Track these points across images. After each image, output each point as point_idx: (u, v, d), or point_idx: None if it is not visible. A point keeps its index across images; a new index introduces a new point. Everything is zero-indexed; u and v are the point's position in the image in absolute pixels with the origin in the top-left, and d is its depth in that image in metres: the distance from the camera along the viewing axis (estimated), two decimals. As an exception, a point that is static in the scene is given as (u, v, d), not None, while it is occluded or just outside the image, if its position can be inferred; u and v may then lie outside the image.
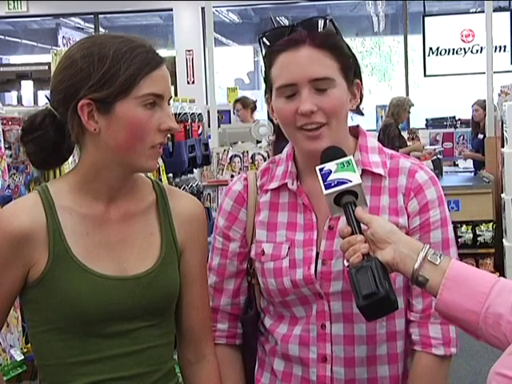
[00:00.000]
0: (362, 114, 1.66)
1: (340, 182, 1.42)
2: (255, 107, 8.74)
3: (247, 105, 8.57)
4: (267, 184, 1.66)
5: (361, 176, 1.56)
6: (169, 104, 1.46)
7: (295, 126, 1.53)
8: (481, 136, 8.06)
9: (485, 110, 7.59)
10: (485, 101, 7.42)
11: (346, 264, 1.40)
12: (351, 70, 1.57)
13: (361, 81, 1.62)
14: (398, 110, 7.39)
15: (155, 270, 1.47)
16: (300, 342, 1.60)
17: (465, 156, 8.82)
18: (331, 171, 1.44)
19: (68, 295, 1.40)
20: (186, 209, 1.57)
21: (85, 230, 1.45)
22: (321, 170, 1.46)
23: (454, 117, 10.80)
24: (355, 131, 1.66)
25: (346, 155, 1.47)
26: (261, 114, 10.94)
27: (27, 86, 9.17)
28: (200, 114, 3.96)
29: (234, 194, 1.68)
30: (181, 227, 1.54)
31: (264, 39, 1.60)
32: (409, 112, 7.71)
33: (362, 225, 1.42)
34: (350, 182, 1.42)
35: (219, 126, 6.92)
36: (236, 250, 1.67)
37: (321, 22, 1.56)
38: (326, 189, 1.43)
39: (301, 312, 1.61)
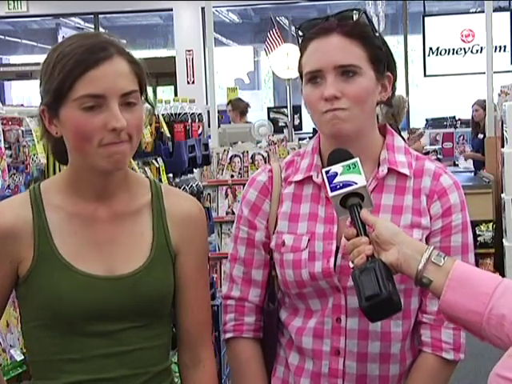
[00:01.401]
0: (391, 106, 1.69)
1: (345, 185, 1.43)
2: (246, 110, 8.74)
3: (236, 107, 8.58)
4: (292, 176, 1.67)
5: (386, 175, 1.58)
6: (126, 102, 1.39)
7: (320, 112, 1.55)
8: (481, 136, 8.06)
9: (485, 109, 7.59)
10: (485, 101, 7.42)
11: (351, 265, 1.40)
12: (381, 61, 1.59)
13: (395, 75, 1.63)
14: (398, 110, 7.36)
15: (142, 271, 1.46)
16: (314, 335, 1.60)
17: (465, 156, 8.81)
18: (337, 173, 1.45)
19: (52, 293, 1.41)
20: (182, 209, 1.54)
21: (72, 229, 1.45)
22: (327, 172, 1.47)
23: (454, 117, 10.81)
24: (383, 130, 1.67)
25: (352, 157, 1.48)
26: (261, 114, 10.96)
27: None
28: (200, 113, 3.95)
29: (258, 184, 1.69)
30: (175, 228, 1.52)
31: (300, 29, 1.64)
32: (406, 109, 7.70)
33: (367, 227, 1.42)
34: (356, 184, 1.43)
35: (219, 126, 6.92)
36: (262, 239, 1.67)
37: (354, 14, 1.59)
38: (331, 191, 1.44)
39: (316, 305, 1.61)
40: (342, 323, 1.58)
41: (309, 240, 1.60)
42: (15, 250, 1.42)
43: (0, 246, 1.42)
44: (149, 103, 1.54)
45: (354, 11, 1.60)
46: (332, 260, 1.57)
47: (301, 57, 1.61)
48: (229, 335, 1.69)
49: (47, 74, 1.40)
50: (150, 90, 1.52)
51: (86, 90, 1.36)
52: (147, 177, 1.62)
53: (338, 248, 1.58)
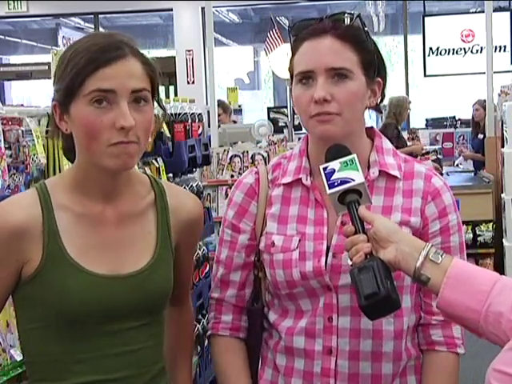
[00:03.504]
0: (381, 112, 1.70)
1: (343, 181, 1.44)
2: (232, 111, 8.96)
3: (227, 109, 8.65)
4: (279, 178, 1.68)
5: (377, 177, 1.59)
6: (136, 99, 1.40)
7: (309, 115, 1.55)
8: (481, 136, 8.06)
9: (485, 109, 7.60)
10: (485, 100, 7.43)
11: (350, 263, 1.41)
12: (372, 66, 1.59)
13: (385, 80, 1.64)
14: (400, 110, 7.37)
15: (148, 269, 1.48)
16: (306, 334, 1.61)
17: (465, 156, 8.81)
18: (334, 170, 1.46)
19: (59, 293, 1.41)
20: (185, 208, 1.58)
21: (80, 230, 1.45)
22: (324, 169, 1.47)
23: (454, 117, 10.81)
24: (370, 132, 1.68)
25: (350, 153, 1.48)
26: (261, 114, 10.96)
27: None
28: (200, 113, 3.95)
29: (244, 186, 1.70)
30: (177, 224, 1.55)
31: (293, 29, 1.64)
32: (409, 110, 7.71)
33: (365, 224, 1.43)
34: (353, 180, 1.44)
35: (219, 126, 6.92)
36: (245, 243, 1.69)
37: (347, 16, 1.59)
38: (329, 188, 1.44)
39: (307, 305, 1.62)
40: (334, 322, 1.58)
41: (299, 240, 1.61)
42: (23, 249, 1.42)
43: (8, 245, 1.41)
44: (160, 106, 1.54)
45: (349, 14, 1.60)
46: (323, 259, 1.58)
47: (292, 56, 1.61)
48: (208, 332, 1.75)
49: (60, 71, 1.42)
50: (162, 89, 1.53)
51: (96, 86, 1.37)
52: (145, 173, 1.62)
53: (328, 248, 1.59)
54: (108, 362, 1.44)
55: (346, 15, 1.60)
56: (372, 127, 1.70)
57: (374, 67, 1.60)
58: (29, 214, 1.42)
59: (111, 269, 1.45)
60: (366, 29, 1.60)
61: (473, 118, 8.74)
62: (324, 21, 1.59)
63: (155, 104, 1.50)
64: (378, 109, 1.67)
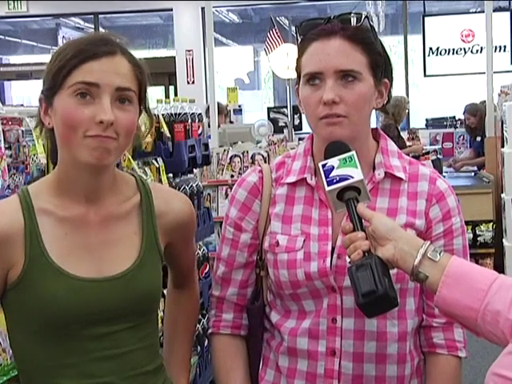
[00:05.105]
0: (387, 113, 1.70)
1: (342, 179, 1.44)
2: (228, 112, 8.94)
3: (222, 110, 8.65)
4: (284, 177, 1.67)
5: (383, 179, 1.59)
6: (121, 99, 1.40)
7: (318, 117, 1.54)
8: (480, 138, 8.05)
9: (475, 116, 7.66)
10: (472, 105, 7.45)
11: (348, 260, 1.41)
12: (380, 67, 1.59)
13: (391, 81, 1.63)
14: (399, 110, 7.37)
15: (132, 271, 1.46)
16: (309, 335, 1.61)
17: (457, 168, 8.38)
18: (333, 167, 1.45)
19: (43, 298, 1.39)
20: (172, 210, 1.56)
21: (63, 233, 1.44)
22: (323, 165, 1.47)
23: (454, 117, 10.80)
24: (375, 133, 1.68)
25: (350, 150, 1.48)
26: (261, 113, 10.95)
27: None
28: (200, 113, 3.95)
29: (248, 185, 1.69)
30: (165, 227, 1.54)
31: (300, 28, 1.63)
32: (407, 110, 7.70)
33: (364, 221, 1.42)
34: (352, 178, 1.44)
35: (219, 126, 6.92)
36: (247, 242, 1.68)
37: (356, 17, 1.59)
38: (328, 185, 1.44)
39: (310, 306, 1.61)
40: (338, 323, 1.58)
41: (304, 240, 1.60)
42: (7, 256, 1.41)
43: None
44: (147, 113, 1.53)
45: (357, 15, 1.59)
46: (328, 260, 1.57)
47: (300, 56, 1.60)
48: (209, 330, 1.76)
49: (50, 63, 1.42)
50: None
51: (80, 78, 1.37)
52: (132, 174, 1.60)
53: (333, 249, 1.59)
54: (97, 366, 1.43)
55: (355, 15, 1.59)
56: (377, 128, 1.70)
57: (382, 68, 1.60)
58: (10, 221, 1.41)
59: (95, 272, 1.43)
60: (374, 29, 1.59)
61: (468, 125, 8.64)
62: (332, 21, 1.58)
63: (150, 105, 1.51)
64: (384, 110, 1.67)
